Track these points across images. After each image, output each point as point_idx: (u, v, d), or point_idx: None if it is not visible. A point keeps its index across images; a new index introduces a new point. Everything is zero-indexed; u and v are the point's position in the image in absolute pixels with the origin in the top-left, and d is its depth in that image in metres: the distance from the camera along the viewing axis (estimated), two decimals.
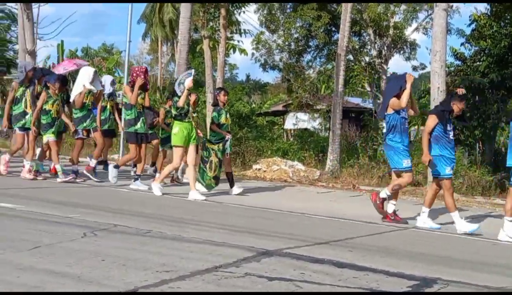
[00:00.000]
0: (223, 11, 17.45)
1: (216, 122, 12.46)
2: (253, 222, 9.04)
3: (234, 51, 20.39)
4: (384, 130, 10.29)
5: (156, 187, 11.49)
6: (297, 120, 36.12)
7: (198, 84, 34.40)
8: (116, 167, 12.62)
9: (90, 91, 12.97)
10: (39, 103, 12.45)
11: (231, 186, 12.57)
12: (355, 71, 32.20)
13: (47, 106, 12.45)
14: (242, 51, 20.36)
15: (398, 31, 33.95)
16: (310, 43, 36.22)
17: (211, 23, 18.28)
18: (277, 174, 16.55)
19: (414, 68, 36.89)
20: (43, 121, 12.46)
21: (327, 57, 36.50)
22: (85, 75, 13.03)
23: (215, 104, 12.75)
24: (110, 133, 14.42)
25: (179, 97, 11.35)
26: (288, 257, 6.39)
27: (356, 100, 38.85)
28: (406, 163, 9.99)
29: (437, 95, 14.74)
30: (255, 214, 10.04)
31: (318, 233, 8.37)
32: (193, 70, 12.00)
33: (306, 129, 35.31)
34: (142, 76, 12.14)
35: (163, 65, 54.39)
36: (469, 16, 29.02)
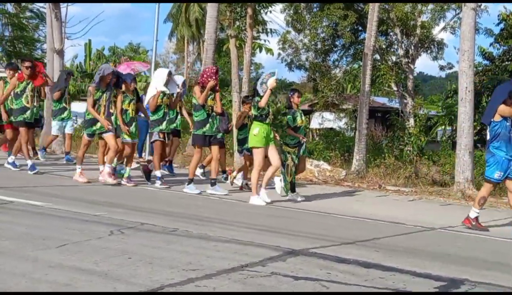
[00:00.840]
0: (249, 10, 17.44)
1: (292, 125, 11.84)
2: (279, 222, 9.03)
3: (260, 51, 20.45)
4: (488, 137, 9.86)
5: (256, 199, 10.87)
6: (322, 120, 36.05)
7: (224, 84, 34.48)
8: (191, 181, 11.86)
9: (164, 93, 12.40)
10: (118, 104, 12.13)
11: (292, 190, 11.92)
12: (381, 71, 32.01)
13: (124, 106, 12.25)
14: (269, 50, 20.36)
15: (425, 31, 33.69)
16: (337, 43, 36.10)
17: (237, 23, 18.27)
18: (302, 174, 16.51)
19: (442, 68, 36.61)
20: (119, 122, 12.17)
21: (353, 57, 36.37)
22: (159, 77, 12.58)
23: (289, 106, 12.00)
24: (177, 134, 14.49)
25: (261, 97, 10.98)
26: (314, 256, 6.38)
27: (382, 100, 38.63)
28: (498, 175, 9.55)
29: (464, 95, 14.61)
30: (281, 213, 10.03)
31: (344, 233, 8.35)
32: (276, 70, 11.40)
33: (331, 129, 35.24)
34: (214, 78, 11.69)
35: (189, 65, 54.57)
36: (498, 16, 28.77)
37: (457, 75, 15.97)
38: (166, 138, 12.95)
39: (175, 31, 50.87)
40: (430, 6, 32.83)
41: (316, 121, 37.66)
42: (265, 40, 19.46)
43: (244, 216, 9.38)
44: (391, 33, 35.01)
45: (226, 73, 41.23)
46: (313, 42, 35.55)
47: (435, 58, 36.27)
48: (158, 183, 12.29)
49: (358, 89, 32.09)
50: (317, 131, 37.55)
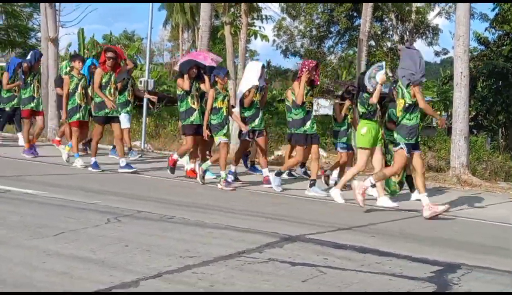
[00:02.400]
0: None
1: (394, 119, 10.40)
2: (277, 209, 9.04)
3: (255, 37, 20.38)
4: None
5: (338, 194, 10.00)
6: (318, 107, 36.05)
7: None
8: (279, 174, 11.20)
9: (258, 88, 11.51)
10: (209, 101, 11.01)
11: (412, 190, 10.78)
12: (377, 57, 32.02)
13: (217, 104, 10.97)
14: (264, 37, 20.30)
15: (420, 16, 33.71)
16: (332, 29, 36.09)
17: (232, 9, 18.23)
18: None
19: (437, 54, 36.62)
20: (213, 122, 10.99)
21: (348, 43, 36.37)
22: (253, 70, 11.65)
23: (391, 100, 10.77)
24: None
25: (369, 93, 10.10)
26: (311, 242, 6.40)
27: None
28: None
29: (460, 80, 14.61)
30: (279, 200, 10.04)
31: (341, 219, 8.37)
32: (383, 63, 10.75)
33: (327, 115, 35.25)
34: (314, 73, 10.88)
35: (184, 52, 54.45)
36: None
37: (452, 60, 16.00)
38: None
39: (170, 18, 50.72)
40: None
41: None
42: (260, 27, 19.41)
43: (242, 203, 9.38)
44: (386, 19, 35.03)
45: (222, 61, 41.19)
46: (308, 29, 35.52)
47: (430, 44, 36.28)
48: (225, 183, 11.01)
49: (354, 75, 32.08)
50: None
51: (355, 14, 33.90)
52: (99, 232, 6.25)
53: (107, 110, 11.97)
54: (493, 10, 28.95)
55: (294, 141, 11.12)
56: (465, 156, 14.29)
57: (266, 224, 7.41)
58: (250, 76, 11.64)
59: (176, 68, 13.81)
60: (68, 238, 5.87)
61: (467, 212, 9.98)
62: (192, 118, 11.40)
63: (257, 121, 11.57)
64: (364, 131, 10.08)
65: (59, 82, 14.66)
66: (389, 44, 35.20)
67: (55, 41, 19.52)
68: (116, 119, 12.28)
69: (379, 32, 34.37)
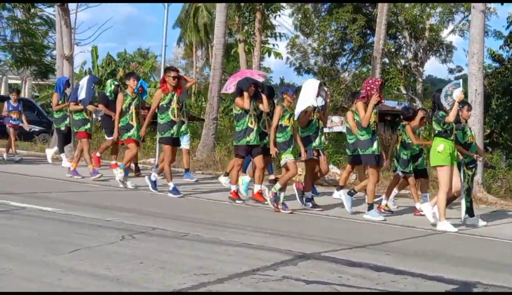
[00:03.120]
0: (258, 14, 17.50)
1: (462, 141, 10.33)
2: (290, 226, 9.03)
3: (269, 55, 20.44)
4: None
5: (447, 225, 9.58)
6: (332, 124, 36.02)
7: None
8: (351, 194, 10.76)
9: (315, 107, 10.95)
10: (275, 118, 10.62)
11: (471, 215, 10.46)
12: (390, 74, 32.04)
13: (284, 122, 10.59)
14: (277, 54, 20.36)
15: (434, 34, 33.69)
16: (345, 46, 36.15)
17: (246, 27, 18.33)
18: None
19: (451, 71, 36.55)
20: (279, 140, 10.58)
21: (362, 60, 36.39)
22: (310, 89, 10.97)
23: (457, 121, 10.25)
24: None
25: (445, 111, 9.79)
26: (326, 260, 6.39)
27: (392, 104, 38.63)
28: None
29: (474, 98, 14.59)
30: (292, 218, 10.03)
31: (355, 237, 8.35)
32: (461, 81, 10.30)
33: (341, 133, 35.20)
34: (378, 91, 10.28)
35: (198, 70, 54.70)
36: (507, 18, 28.71)
37: (466, 78, 15.94)
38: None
39: (184, 36, 51.04)
40: (439, 9, 32.80)
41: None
42: (273, 45, 19.49)
43: (255, 220, 9.38)
44: (399, 37, 35.03)
45: None
46: (321, 46, 35.58)
47: (444, 61, 36.24)
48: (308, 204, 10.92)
49: None
50: (326, 135, 37.53)
51: (368, 31, 33.97)
52: (114, 249, 6.27)
53: (172, 131, 11.45)
54: (507, 28, 28.93)
55: (365, 162, 10.68)
56: (480, 173, 14.24)
57: (281, 241, 7.41)
58: (306, 95, 10.97)
59: (226, 91, 13.61)
60: (83, 255, 5.89)
61: (482, 230, 9.92)
62: (248, 139, 11.05)
63: (317, 141, 10.97)
64: (441, 148, 9.76)
65: (102, 99, 14.28)
66: (402, 61, 35.20)
67: (70, 59, 19.66)
68: (178, 142, 12.00)
69: (392, 50, 34.38)
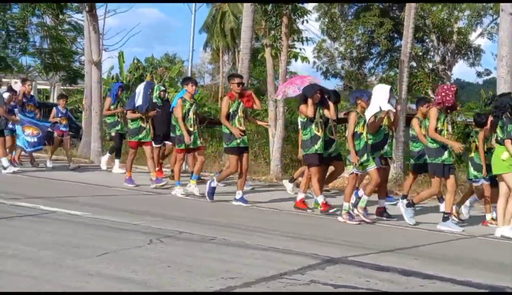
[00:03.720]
0: (285, 19, 17.45)
1: None
2: (317, 230, 9.00)
3: (296, 59, 20.29)
4: None
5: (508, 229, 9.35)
6: None
7: (260, 93, 34.56)
8: (410, 205, 10.16)
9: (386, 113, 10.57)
10: (350, 126, 10.05)
11: None
12: (418, 78, 31.81)
13: (358, 129, 10.09)
14: (304, 59, 20.22)
15: (462, 37, 33.41)
16: (372, 50, 36.03)
17: (272, 32, 18.27)
18: (340, 182, 16.40)
19: (479, 74, 36.23)
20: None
21: (389, 64, 36.21)
22: (381, 94, 10.55)
23: None
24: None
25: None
26: (353, 264, 6.35)
27: None
28: None
29: None
30: (317, 222, 10.00)
31: (383, 241, 8.30)
32: None
33: None
34: (453, 98, 9.90)
35: (225, 75, 54.82)
36: None
37: (495, 81, 15.80)
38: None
39: (210, 41, 51.22)
40: (467, 12, 32.53)
41: None
42: (300, 49, 19.42)
43: (281, 224, 9.36)
44: (427, 40, 34.80)
45: (261, 82, 41.31)
46: (348, 50, 35.49)
47: (472, 65, 35.92)
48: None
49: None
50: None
51: (395, 35, 33.81)
52: (141, 253, 6.29)
53: (238, 141, 11.03)
54: None
55: (432, 172, 10.05)
56: None
57: (307, 245, 7.38)
58: (376, 101, 10.51)
59: (277, 97, 13.30)
60: (111, 259, 5.92)
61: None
62: (316, 147, 10.62)
63: (386, 147, 10.81)
64: (505, 156, 9.45)
65: (153, 106, 13.62)
66: (430, 65, 34.96)
67: (98, 64, 19.82)
68: (246, 150, 11.40)
69: (420, 53, 34.17)
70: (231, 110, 11.10)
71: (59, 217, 8.44)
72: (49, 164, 15.99)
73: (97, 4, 20.33)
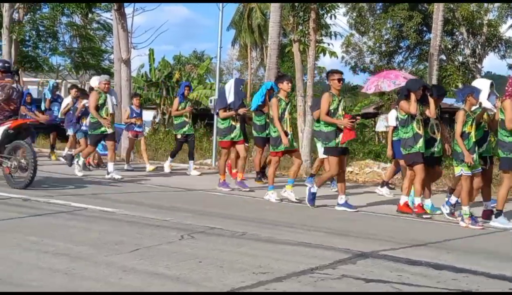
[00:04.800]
0: (313, 14, 17.40)
1: None
2: (347, 225, 8.98)
3: (324, 54, 20.25)
4: None
5: None
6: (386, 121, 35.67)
7: None
8: (499, 214, 9.43)
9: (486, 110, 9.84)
10: (458, 125, 9.42)
11: None
12: (448, 71, 31.54)
13: (466, 128, 9.43)
14: (332, 53, 20.17)
15: (492, 29, 33.06)
16: (401, 44, 35.81)
17: (300, 27, 18.23)
18: (369, 176, 16.37)
19: (510, 67, 35.79)
20: (458, 149, 9.48)
21: (418, 58, 35.97)
22: (481, 89, 9.68)
23: None
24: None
25: None
26: (384, 259, 6.34)
27: (450, 101, 38.01)
28: None
29: None
30: (348, 216, 9.96)
31: (414, 235, 8.25)
32: None
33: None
34: None
35: (253, 71, 54.85)
36: None
37: None
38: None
39: (238, 38, 51.22)
40: (497, 4, 32.17)
41: (382, 124, 37.22)
42: (328, 44, 19.33)
43: (311, 219, 9.34)
44: (456, 33, 34.49)
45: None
46: (377, 44, 35.29)
47: (503, 57, 35.50)
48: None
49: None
50: (383, 134, 37.18)
51: (424, 28, 33.55)
52: (173, 248, 6.35)
53: (337, 141, 10.36)
54: None
55: (506, 166, 9.40)
56: None
57: (337, 240, 7.38)
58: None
59: (367, 91, 12.94)
60: (143, 255, 5.98)
61: None
62: (419, 145, 10.04)
63: (484, 146, 10.04)
64: None
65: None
66: (460, 58, 34.65)
67: (127, 62, 19.96)
68: (347, 151, 10.94)
69: (449, 46, 33.88)
70: (332, 108, 10.32)
71: (91, 213, 8.57)
72: (127, 167, 15.78)
73: (125, 3, 20.50)
